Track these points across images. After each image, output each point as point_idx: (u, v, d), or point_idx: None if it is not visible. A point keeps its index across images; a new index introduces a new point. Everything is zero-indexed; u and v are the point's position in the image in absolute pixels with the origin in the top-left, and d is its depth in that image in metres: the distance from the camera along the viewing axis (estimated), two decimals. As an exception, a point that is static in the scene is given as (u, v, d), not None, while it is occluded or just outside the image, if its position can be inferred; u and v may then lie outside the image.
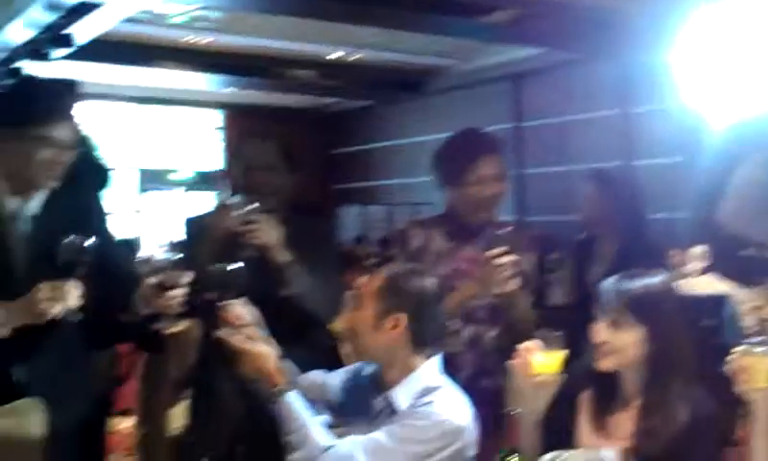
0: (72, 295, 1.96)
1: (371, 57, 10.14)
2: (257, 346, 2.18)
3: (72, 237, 2.33)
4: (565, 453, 2.01)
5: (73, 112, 2.39)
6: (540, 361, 2.15)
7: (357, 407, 2.26)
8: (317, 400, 2.31)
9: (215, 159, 12.63)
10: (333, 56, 10.33)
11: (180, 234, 2.83)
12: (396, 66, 10.56)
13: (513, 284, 2.62)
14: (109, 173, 3.06)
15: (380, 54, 9.83)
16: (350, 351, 2.28)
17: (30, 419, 2.16)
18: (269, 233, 2.64)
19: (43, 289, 1.97)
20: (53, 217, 2.40)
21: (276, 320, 2.61)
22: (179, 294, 2.53)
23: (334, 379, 2.36)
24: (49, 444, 2.30)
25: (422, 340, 2.19)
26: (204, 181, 13.06)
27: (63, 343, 2.46)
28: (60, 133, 2.25)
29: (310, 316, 2.59)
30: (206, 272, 2.51)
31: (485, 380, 2.75)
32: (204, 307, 2.39)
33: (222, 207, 2.60)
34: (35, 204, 2.35)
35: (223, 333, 2.19)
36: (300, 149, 13.94)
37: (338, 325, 2.20)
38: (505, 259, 2.65)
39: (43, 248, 2.33)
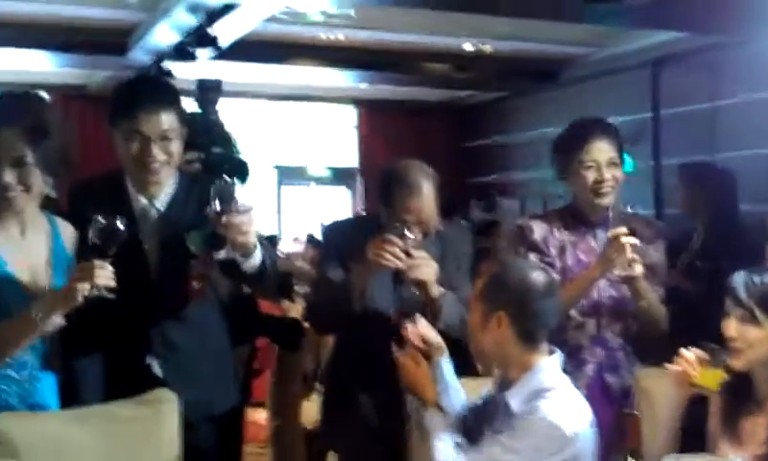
0: (102, 274, 1.96)
1: (505, 47, 10.00)
2: (416, 361, 2.23)
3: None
4: (686, 457, 1.91)
5: (182, 102, 2.44)
6: (702, 374, 2.06)
7: (483, 413, 2.25)
8: (454, 415, 2.32)
9: (350, 155, 12.83)
10: (467, 48, 10.35)
11: (327, 240, 2.81)
12: (530, 56, 10.39)
13: (637, 268, 2.51)
14: (247, 167, 3.12)
15: (515, 44, 9.70)
16: (473, 354, 2.29)
17: (164, 409, 2.24)
18: (428, 271, 2.60)
19: (72, 269, 2.02)
20: (181, 213, 2.45)
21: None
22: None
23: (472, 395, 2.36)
24: (185, 434, 2.35)
25: (531, 336, 2.12)
26: (339, 176, 13.28)
27: (202, 335, 2.53)
28: (142, 127, 2.29)
29: (459, 344, 2.56)
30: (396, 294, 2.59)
31: (609, 377, 2.64)
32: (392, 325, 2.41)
33: (382, 239, 2.54)
34: (162, 200, 2.41)
35: (396, 347, 2.25)
36: (432, 143, 14.03)
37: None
38: (628, 239, 2.54)
39: (171, 244, 2.38)
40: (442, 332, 2.57)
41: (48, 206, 2.27)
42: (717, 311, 2.18)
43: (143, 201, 2.44)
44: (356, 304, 2.66)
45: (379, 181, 2.86)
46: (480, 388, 2.37)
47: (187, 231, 2.44)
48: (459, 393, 2.34)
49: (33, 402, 2.13)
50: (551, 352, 2.18)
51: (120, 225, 2.10)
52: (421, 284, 2.63)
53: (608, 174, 2.60)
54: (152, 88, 2.51)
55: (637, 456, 1.78)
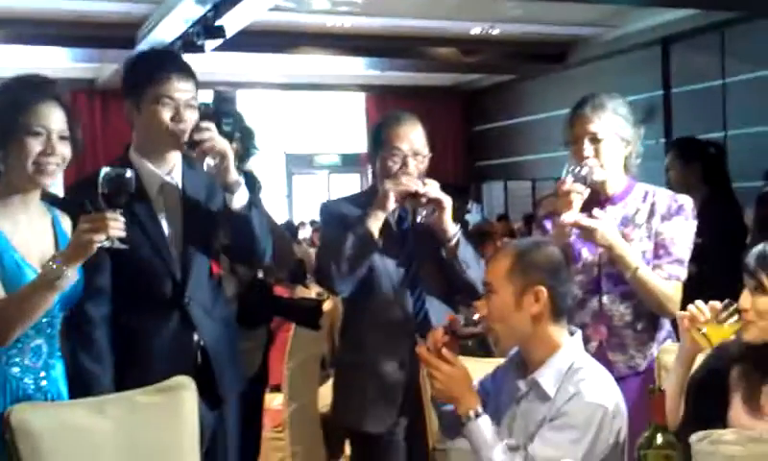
0: (114, 225, 1.96)
1: (512, 30, 10.00)
2: (454, 366, 2.14)
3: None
4: (717, 433, 1.89)
5: (191, 72, 2.43)
6: (709, 327, 2.04)
7: (505, 394, 2.22)
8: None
9: (359, 142, 12.83)
10: (474, 32, 10.33)
11: (326, 217, 2.82)
12: (538, 39, 10.38)
13: (594, 223, 2.46)
14: (253, 139, 3.08)
15: (522, 27, 9.69)
16: (495, 339, 2.20)
17: (183, 396, 2.25)
18: (445, 195, 2.61)
19: (84, 221, 2.00)
20: (195, 184, 2.46)
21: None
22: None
23: (486, 381, 2.32)
24: (214, 410, 2.37)
25: (563, 311, 2.12)
26: (348, 163, 13.28)
27: (222, 318, 2.53)
28: (174, 92, 2.29)
29: (472, 287, 2.57)
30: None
31: (612, 355, 2.61)
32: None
33: (396, 172, 2.57)
34: (176, 174, 2.40)
35: (422, 351, 2.18)
36: (441, 127, 14.01)
37: (480, 312, 2.12)
38: (573, 188, 2.48)
39: (189, 216, 2.39)
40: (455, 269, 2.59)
41: (44, 198, 2.26)
42: (715, 289, 2.17)
43: (161, 174, 2.42)
44: (374, 247, 2.63)
45: (372, 135, 2.86)
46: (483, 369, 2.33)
47: (208, 207, 2.45)
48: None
49: (47, 390, 2.14)
50: (571, 333, 2.16)
51: (128, 173, 2.08)
52: (438, 206, 2.63)
53: (588, 150, 2.58)
54: (175, 57, 2.52)
55: (665, 432, 1.76)
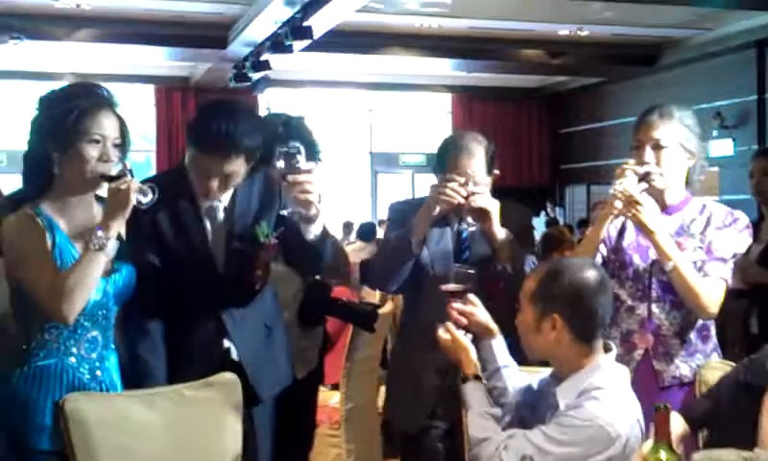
0: (136, 183, 2.08)
1: (602, 32, 9.88)
2: (452, 336, 2.25)
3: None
4: (716, 452, 1.85)
5: (252, 132, 2.48)
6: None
7: (540, 404, 2.24)
8: (520, 402, 2.33)
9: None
10: (562, 33, 10.25)
11: (392, 215, 2.88)
12: (629, 41, 10.21)
13: (639, 209, 2.43)
14: (318, 153, 3.10)
15: (611, 29, 9.57)
16: (525, 349, 2.25)
17: (228, 390, 2.33)
18: (490, 201, 2.63)
19: (113, 186, 2.11)
20: (244, 206, 2.53)
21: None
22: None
23: (537, 377, 2.34)
24: (250, 410, 2.46)
25: (587, 336, 2.10)
26: (432, 163, 13.29)
27: (261, 310, 2.60)
28: (233, 167, 2.37)
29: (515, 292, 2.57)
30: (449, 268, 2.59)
31: (658, 364, 2.58)
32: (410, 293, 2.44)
33: (442, 179, 2.60)
34: (225, 197, 2.49)
35: (441, 326, 2.27)
36: (526, 129, 13.81)
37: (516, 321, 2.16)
38: (631, 170, 2.47)
39: (237, 232, 2.49)
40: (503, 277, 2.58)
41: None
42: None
43: (207, 202, 2.52)
44: (414, 252, 2.67)
45: (437, 151, 2.87)
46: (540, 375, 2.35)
47: (255, 224, 2.50)
48: (515, 374, 2.32)
49: (102, 380, 2.25)
50: (607, 349, 2.14)
51: (148, 198, 2.19)
52: (484, 214, 2.63)
53: (649, 157, 2.55)
54: (228, 126, 2.47)
55: (669, 449, 1.73)
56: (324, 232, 2.49)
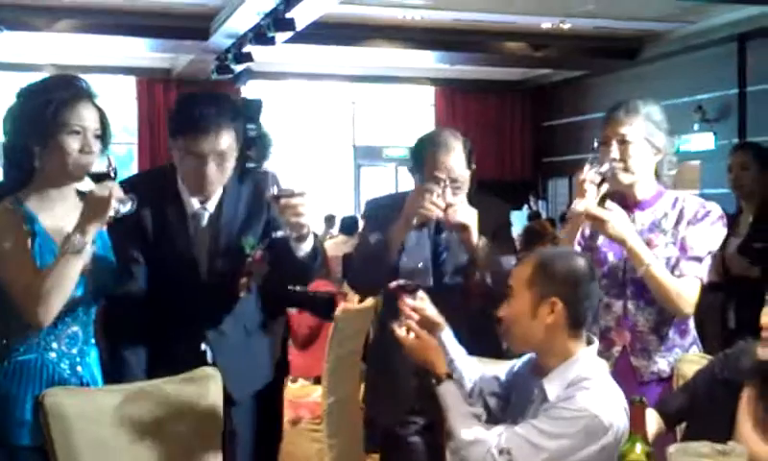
0: (117, 190, 2.08)
1: (583, 25, 9.92)
2: (419, 336, 2.25)
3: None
4: (693, 445, 1.87)
5: (235, 122, 2.48)
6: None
7: (520, 396, 2.24)
8: (492, 393, 2.33)
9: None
10: (545, 26, 10.26)
11: (368, 213, 2.88)
12: (610, 34, 10.24)
13: (605, 214, 2.44)
14: (270, 147, 3.09)
15: (593, 22, 9.61)
16: (510, 342, 2.25)
17: (208, 385, 2.33)
18: (469, 215, 2.62)
19: (90, 192, 2.12)
20: (231, 212, 2.54)
21: (459, 306, 2.63)
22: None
23: (503, 368, 2.35)
24: (231, 410, 2.46)
25: (580, 322, 2.12)
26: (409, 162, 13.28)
27: (246, 319, 2.62)
28: (224, 145, 2.37)
29: (495, 300, 2.56)
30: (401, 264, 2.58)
31: (636, 360, 2.59)
32: (388, 293, 2.43)
33: (420, 189, 2.58)
34: (213, 201, 2.50)
35: (396, 323, 2.27)
36: (509, 121, 13.82)
37: (500, 313, 2.14)
38: (589, 178, 2.48)
39: (222, 242, 2.50)
40: (480, 283, 2.58)
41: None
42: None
43: (195, 204, 2.52)
44: (392, 260, 2.67)
45: (412, 149, 2.86)
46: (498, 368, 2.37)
47: (241, 234, 2.51)
48: (469, 365, 2.34)
49: (82, 376, 2.25)
50: (589, 342, 2.16)
51: (127, 208, 2.19)
52: (463, 229, 2.63)
53: (615, 152, 2.57)
54: (211, 108, 2.50)
55: (644, 442, 1.75)
56: (314, 247, 2.50)
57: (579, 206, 2.50)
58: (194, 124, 2.40)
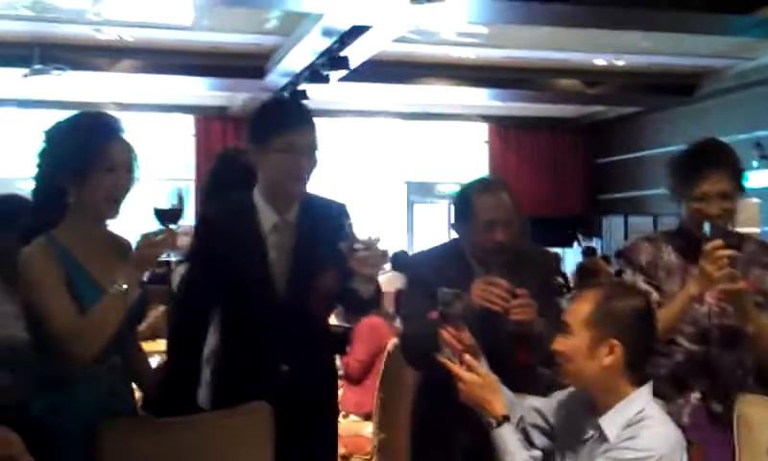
0: (181, 239, 2.09)
1: (639, 62, 9.80)
2: (478, 373, 2.16)
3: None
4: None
5: (313, 121, 2.52)
6: None
7: (570, 432, 2.19)
8: (534, 425, 2.27)
9: (480, 172, 12.82)
10: (599, 63, 10.22)
11: (411, 276, 2.81)
12: (665, 70, 10.13)
13: (740, 283, 2.34)
14: None
15: (649, 58, 9.52)
16: (564, 376, 2.18)
17: (260, 419, 2.33)
18: (529, 311, 2.49)
19: (146, 237, 2.11)
20: (310, 224, 2.54)
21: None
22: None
23: (551, 403, 2.28)
24: (283, 441, 2.45)
25: (638, 364, 2.07)
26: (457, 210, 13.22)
27: (315, 341, 2.62)
28: (301, 141, 2.38)
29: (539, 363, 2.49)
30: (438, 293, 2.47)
31: (716, 406, 2.51)
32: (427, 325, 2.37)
33: (486, 281, 2.46)
34: (291, 213, 2.50)
35: (444, 355, 2.19)
36: (563, 159, 13.71)
37: (556, 346, 2.07)
38: (725, 252, 2.35)
39: (305, 253, 2.49)
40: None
41: None
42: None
43: (274, 217, 2.53)
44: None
45: (456, 201, 2.77)
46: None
47: (321, 260, 2.52)
48: (511, 398, 2.27)
49: (123, 405, 2.26)
50: (644, 379, 2.11)
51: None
52: (524, 323, 2.54)
53: (716, 208, 2.49)
54: (300, 105, 2.60)
55: None
56: (378, 288, 2.52)
57: (738, 285, 2.37)
58: (294, 118, 2.46)
